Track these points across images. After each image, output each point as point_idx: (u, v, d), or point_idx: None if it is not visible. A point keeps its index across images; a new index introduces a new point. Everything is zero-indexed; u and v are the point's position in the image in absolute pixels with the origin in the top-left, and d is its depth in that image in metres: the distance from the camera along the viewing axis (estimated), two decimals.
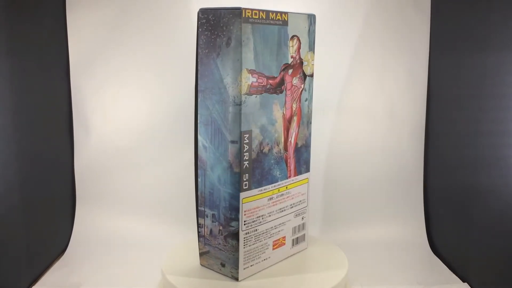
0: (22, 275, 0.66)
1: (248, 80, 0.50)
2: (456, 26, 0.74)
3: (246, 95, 0.51)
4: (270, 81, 0.53)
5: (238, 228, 0.53)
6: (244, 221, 0.54)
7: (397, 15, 0.81)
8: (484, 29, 0.67)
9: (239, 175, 0.52)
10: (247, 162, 0.52)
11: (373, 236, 0.82)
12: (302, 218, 0.61)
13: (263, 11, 0.51)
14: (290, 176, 0.58)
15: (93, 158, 0.83)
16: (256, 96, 0.52)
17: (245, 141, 0.52)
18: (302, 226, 0.62)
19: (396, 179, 0.84)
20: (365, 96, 0.83)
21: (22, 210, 0.66)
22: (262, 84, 0.52)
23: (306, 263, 0.60)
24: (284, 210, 0.58)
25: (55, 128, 0.79)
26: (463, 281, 0.70)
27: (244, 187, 0.53)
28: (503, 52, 0.62)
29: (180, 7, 0.80)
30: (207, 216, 0.57)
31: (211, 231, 0.56)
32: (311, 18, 0.57)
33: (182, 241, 0.67)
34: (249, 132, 0.52)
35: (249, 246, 0.55)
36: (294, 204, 0.60)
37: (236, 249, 0.54)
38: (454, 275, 0.72)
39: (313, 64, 0.58)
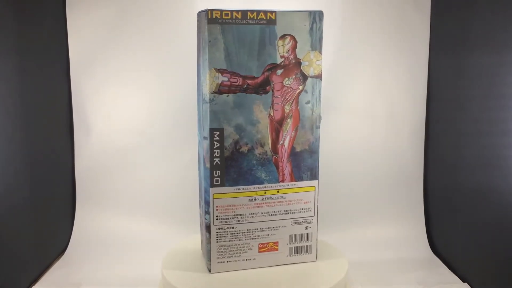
0: (22, 275, 0.66)
1: (217, 79, 0.52)
2: (456, 26, 0.74)
3: (215, 94, 0.52)
4: (248, 81, 0.53)
5: (210, 221, 0.55)
6: (217, 216, 0.55)
7: (397, 15, 0.81)
8: (484, 29, 0.67)
9: (209, 171, 0.54)
10: (218, 159, 0.54)
11: (373, 236, 0.82)
12: (306, 228, 0.59)
13: (238, 11, 0.51)
14: (283, 181, 0.57)
15: (94, 158, 0.83)
16: (228, 95, 0.53)
17: (215, 138, 0.53)
18: (306, 236, 0.59)
19: (396, 179, 0.84)
20: (365, 96, 0.83)
21: (22, 210, 0.66)
22: (237, 83, 0.53)
23: (305, 263, 0.60)
24: (275, 214, 0.57)
25: (55, 128, 0.79)
26: (463, 281, 0.70)
27: (216, 183, 0.54)
28: (503, 52, 0.62)
29: (180, 7, 0.80)
30: (201, 207, 0.59)
31: (202, 221, 0.59)
32: (314, 15, 0.54)
33: (182, 241, 0.67)
34: (220, 130, 0.53)
35: (223, 241, 0.56)
36: (290, 210, 0.58)
37: (209, 242, 0.56)
38: (454, 275, 0.72)
39: (318, 65, 0.55)
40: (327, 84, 0.81)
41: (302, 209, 0.58)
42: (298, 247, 0.59)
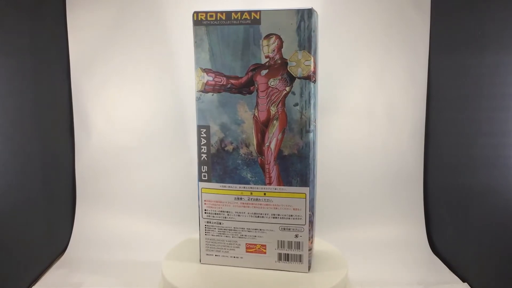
0: (22, 275, 0.66)
1: (202, 78, 0.54)
2: (456, 26, 0.74)
3: (201, 92, 0.54)
4: (232, 81, 0.54)
5: (199, 214, 0.58)
6: (205, 210, 0.57)
7: (397, 15, 0.81)
8: (484, 29, 0.67)
9: (198, 165, 0.57)
10: (205, 155, 0.56)
11: (373, 236, 0.82)
12: (296, 236, 0.56)
13: (222, 12, 0.52)
14: (270, 183, 0.55)
15: (94, 158, 0.83)
16: (213, 94, 0.54)
17: (202, 135, 0.56)
18: (297, 245, 0.56)
19: (396, 179, 0.84)
20: (365, 96, 0.83)
21: (22, 210, 0.66)
22: (221, 83, 0.54)
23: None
24: (262, 217, 0.56)
25: (56, 128, 0.79)
26: (463, 281, 0.70)
27: (203, 178, 0.57)
28: (502, 52, 0.62)
29: (179, 7, 0.80)
30: None
31: None
32: (302, 14, 0.51)
33: (182, 241, 0.67)
34: (206, 127, 0.55)
35: (211, 235, 0.58)
36: (278, 215, 0.56)
37: (199, 233, 0.59)
38: (454, 275, 0.72)
39: (307, 65, 0.52)
40: (327, 84, 0.81)
41: (292, 215, 0.56)
42: (288, 254, 0.57)
